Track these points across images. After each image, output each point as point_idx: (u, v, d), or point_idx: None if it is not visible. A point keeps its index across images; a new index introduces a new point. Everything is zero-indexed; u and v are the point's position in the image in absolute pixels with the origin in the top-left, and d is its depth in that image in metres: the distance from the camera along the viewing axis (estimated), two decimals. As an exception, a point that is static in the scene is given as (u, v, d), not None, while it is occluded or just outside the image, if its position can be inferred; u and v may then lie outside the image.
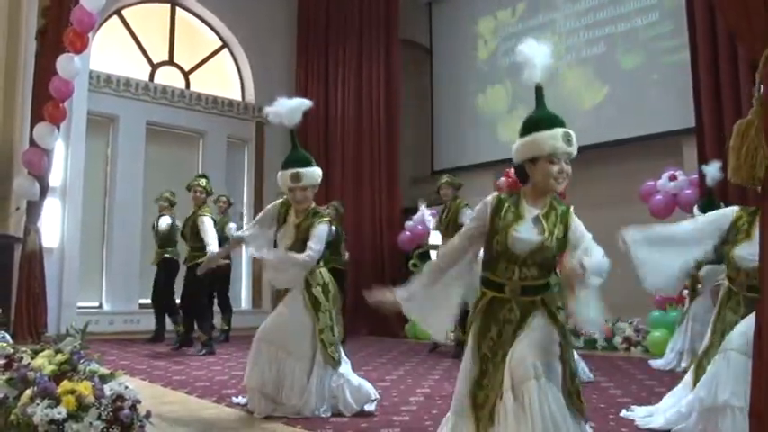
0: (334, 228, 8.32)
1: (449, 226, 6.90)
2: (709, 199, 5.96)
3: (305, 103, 3.95)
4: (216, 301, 8.43)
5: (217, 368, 5.81)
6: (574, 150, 2.54)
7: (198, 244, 6.91)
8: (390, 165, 10.19)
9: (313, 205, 4.03)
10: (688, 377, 3.53)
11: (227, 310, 8.57)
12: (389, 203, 10.10)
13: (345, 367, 3.90)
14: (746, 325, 2.97)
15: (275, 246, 4.08)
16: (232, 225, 8.51)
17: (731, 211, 3.32)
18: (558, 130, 2.51)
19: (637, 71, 8.33)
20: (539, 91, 2.62)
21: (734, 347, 3.05)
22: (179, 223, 7.84)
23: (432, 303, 2.69)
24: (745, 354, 2.90)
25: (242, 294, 10.80)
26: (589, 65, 8.83)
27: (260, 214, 4.26)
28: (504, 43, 9.95)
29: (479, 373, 2.54)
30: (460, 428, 2.55)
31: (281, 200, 4.15)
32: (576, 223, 2.62)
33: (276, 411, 3.74)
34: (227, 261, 8.30)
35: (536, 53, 2.59)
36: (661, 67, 8.14)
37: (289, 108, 3.90)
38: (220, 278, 8.14)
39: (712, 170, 6.00)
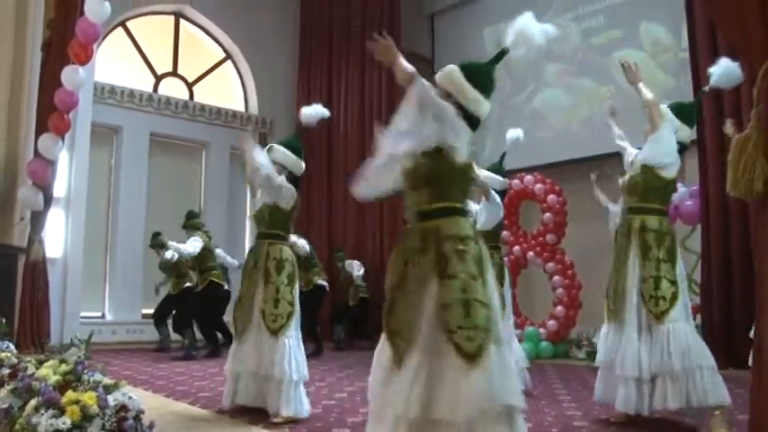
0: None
1: None
2: None
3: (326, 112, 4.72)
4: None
5: (219, 378, 5.80)
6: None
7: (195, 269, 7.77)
8: (393, 176, 10.20)
9: None
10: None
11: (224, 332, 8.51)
12: (392, 214, 10.11)
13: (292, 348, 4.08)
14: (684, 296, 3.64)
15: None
16: (219, 251, 8.46)
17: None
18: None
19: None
20: (503, 54, 2.67)
21: (677, 318, 3.54)
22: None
23: None
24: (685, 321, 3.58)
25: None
26: (589, 76, 8.87)
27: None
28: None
29: (391, 302, 2.52)
30: (386, 352, 2.48)
31: None
32: None
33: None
34: (227, 288, 8.20)
35: (533, 32, 2.66)
36: (661, 78, 8.17)
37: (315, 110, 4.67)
38: (220, 301, 8.04)
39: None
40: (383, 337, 2.53)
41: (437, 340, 2.33)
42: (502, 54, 2.66)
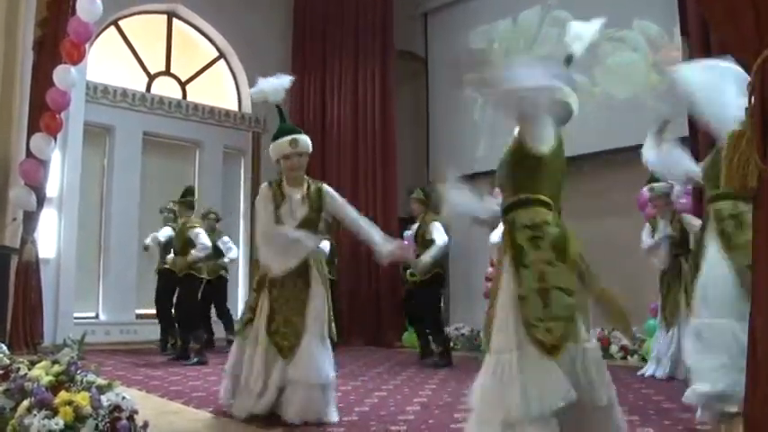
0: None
1: (421, 240, 6.91)
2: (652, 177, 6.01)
3: (287, 79, 4.09)
4: (215, 311, 8.46)
5: (213, 378, 5.79)
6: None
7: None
8: (387, 175, 10.20)
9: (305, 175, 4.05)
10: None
11: (227, 319, 8.57)
12: (386, 214, 10.09)
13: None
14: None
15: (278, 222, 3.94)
16: (226, 239, 8.46)
17: None
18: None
19: (631, 80, 8.38)
20: (569, 59, 2.98)
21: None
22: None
23: None
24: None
25: (238, 304, 10.77)
26: (581, 73, 8.86)
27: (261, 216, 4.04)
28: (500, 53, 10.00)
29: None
30: None
31: (265, 185, 4.04)
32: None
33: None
34: (224, 272, 8.31)
35: (587, 30, 3.00)
36: (654, 77, 8.18)
37: (272, 85, 4.05)
38: (217, 288, 8.19)
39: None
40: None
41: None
42: (569, 60, 2.97)
